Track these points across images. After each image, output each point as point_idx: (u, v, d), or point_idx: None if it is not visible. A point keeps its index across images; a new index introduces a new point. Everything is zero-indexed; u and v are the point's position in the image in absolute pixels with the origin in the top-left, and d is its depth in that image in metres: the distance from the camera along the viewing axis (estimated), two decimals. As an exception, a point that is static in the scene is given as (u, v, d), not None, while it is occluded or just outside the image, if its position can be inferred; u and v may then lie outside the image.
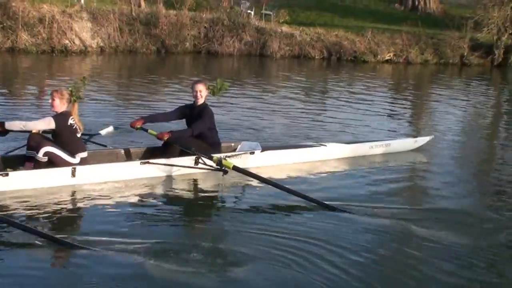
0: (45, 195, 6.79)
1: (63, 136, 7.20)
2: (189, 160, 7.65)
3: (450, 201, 7.50)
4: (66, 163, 7.17)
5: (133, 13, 25.02)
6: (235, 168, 7.26)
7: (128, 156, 7.92)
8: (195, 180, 7.77)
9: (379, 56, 27.23)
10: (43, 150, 7.07)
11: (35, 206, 6.49)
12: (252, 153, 8.15)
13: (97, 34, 24.04)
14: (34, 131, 7.27)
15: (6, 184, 6.68)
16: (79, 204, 6.85)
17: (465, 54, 28.67)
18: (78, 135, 7.37)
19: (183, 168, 7.66)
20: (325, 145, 8.95)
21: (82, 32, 23.60)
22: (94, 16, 24.10)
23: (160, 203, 7.08)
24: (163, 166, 7.61)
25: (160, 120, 8.48)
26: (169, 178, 7.65)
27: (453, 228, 6.38)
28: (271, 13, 28.11)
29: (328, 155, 8.88)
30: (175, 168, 7.66)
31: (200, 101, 7.98)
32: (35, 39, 22.16)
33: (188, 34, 25.48)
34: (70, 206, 6.76)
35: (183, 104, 8.66)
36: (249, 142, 8.72)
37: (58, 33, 22.62)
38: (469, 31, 28.79)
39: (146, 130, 7.97)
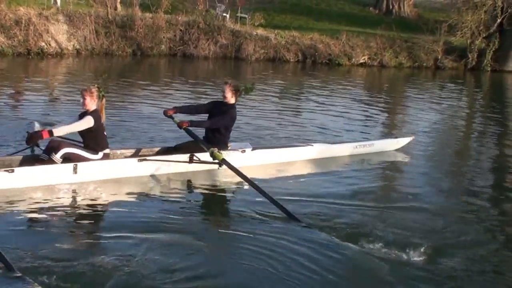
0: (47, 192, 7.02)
1: (98, 133, 7.48)
2: (185, 157, 7.94)
3: (424, 199, 7.76)
4: (87, 161, 7.45)
5: (109, 16, 24.90)
6: (224, 161, 7.55)
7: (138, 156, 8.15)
8: (189, 177, 8.01)
9: (353, 59, 27.49)
10: (62, 151, 7.26)
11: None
12: (244, 151, 8.47)
13: (73, 36, 23.94)
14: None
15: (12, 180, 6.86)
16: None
17: (439, 57, 29.11)
18: (105, 132, 7.65)
19: (180, 164, 7.93)
20: (312, 145, 9.33)
21: (58, 35, 23.48)
22: (70, 18, 23.99)
23: (153, 200, 7.29)
24: (160, 162, 7.85)
25: (191, 111, 8.89)
26: (166, 174, 7.92)
27: (424, 226, 6.62)
28: (246, 16, 28.21)
29: (315, 155, 9.23)
30: (172, 164, 7.90)
31: (231, 100, 8.36)
32: (11, 41, 22.00)
33: (163, 37, 25.47)
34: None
35: (216, 100, 9.00)
36: (239, 142, 9.00)
37: (35, 35, 22.48)
38: (443, 34, 29.23)
39: (173, 118, 8.29)
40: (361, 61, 27.78)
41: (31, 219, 6.33)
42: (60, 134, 7.30)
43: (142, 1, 26.76)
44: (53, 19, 23.53)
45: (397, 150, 10.15)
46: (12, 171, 6.85)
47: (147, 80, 18.73)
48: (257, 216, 6.68)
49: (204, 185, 7.94)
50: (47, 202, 6.75)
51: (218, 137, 8.23)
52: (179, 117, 8.49)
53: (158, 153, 8.27)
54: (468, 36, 28.95)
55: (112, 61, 23.73)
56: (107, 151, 7.63)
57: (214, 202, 7.57)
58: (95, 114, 7.41)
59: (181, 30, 25.89)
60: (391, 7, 36.11)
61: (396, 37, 29.01)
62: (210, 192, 7.78)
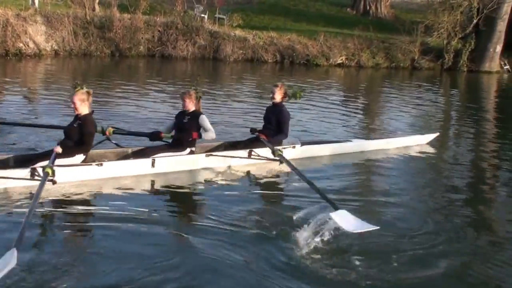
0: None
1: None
2: (245, 152, 8.69)
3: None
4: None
5: (88, 17, 24.90)
6: (280, 157, 8.22)
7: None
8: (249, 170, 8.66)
9: (331, 60, 27.73)
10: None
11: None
12: (294, 147, 9.23)
13: (52, 37, 23.90)
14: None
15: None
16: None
17: (416, 58, 29.47)
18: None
19: (241, 159, 8.64)
20: (351, 141, 10.48)
21: (36, 36, 23.43)
22: (48, 19, 23.95)
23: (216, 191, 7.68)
24: (229, 158, 8.60)
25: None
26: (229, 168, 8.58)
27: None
28: (224, 17, 28.33)
29: (354, 149, 10.14)
30: (234, 159, 8.62)
31: (278, 100, 9.20)
32: (-11, 42, 21.97)
33: (142, 38, 25.51)
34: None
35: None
36: (289, 138, 9.68)
37: (12, 36, 22.41)
38: (420, 35, 29.58)
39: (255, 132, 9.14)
40: (339, 61, 28.02)
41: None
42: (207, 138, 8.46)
43: (120, 2, 26.77)
44: (31, 20, 23.47)
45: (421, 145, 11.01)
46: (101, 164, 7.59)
47: (126, 81, 18.69)
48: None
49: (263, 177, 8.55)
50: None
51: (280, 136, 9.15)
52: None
53: (219, 148, 9.03)
54: (445, 36, 29.33)
55: (91, 62, 23.69)
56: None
57: (271, 196, 7.90)
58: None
59: (159, 31, 25.94)
60: (368, 8, 36.44)
61: (373, 37, 29.29)
62: (268, 186, 8.28)
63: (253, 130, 9.16)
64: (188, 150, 8.31)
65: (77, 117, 7.59)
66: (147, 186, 7.64)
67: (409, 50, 29.34)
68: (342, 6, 37.50)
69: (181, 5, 27.82)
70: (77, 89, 7.61)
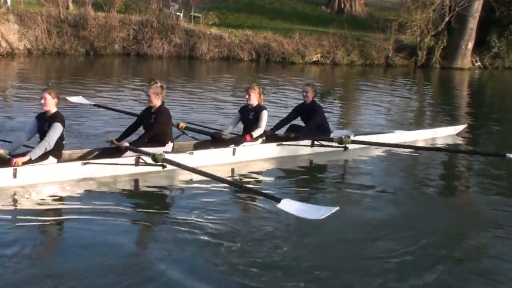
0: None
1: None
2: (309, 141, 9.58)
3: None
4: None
5: (61, 15, 24.67)
6: (354, 141, 9.51)
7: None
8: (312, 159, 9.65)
9: (306, 58, 27.86)
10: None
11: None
12: (348, 137, 9.73)
13: (25, 36, 23.67)
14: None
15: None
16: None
17: (390, 55, 29.75)
18: None
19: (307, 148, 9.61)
20: (394, 132, 11.26)
21: (9, 35, 23.18)
22: (21, 18, 23.73)
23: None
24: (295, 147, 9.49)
25: (282, 125, 10.00)
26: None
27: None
28: (200, 15, 28.28)
29: (399, 140, 10.84)
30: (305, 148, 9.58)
31: (311, 99, 9.83)
32: (-40, 42, 21.71)
33: (117, 36, 25.36)
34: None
35: (297, 104, 10.30)
36: (341, 130, 10.95)
37: (-16, 35, 22.22)
38: (393, 33, 29.86)
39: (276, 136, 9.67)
40: (314, 59, 28.17)
41: None
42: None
43: (95, 0, 26.55)
44: (4, 19, 23.24)
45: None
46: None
47: (101, 80, 18.62)
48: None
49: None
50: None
51: (324, 130, 9.90)
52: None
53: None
54: (418, 34, 29.65)
55: (65, 61, 23.52)
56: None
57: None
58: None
59: (134, 29, 25.82)
60: (342, 6, 36.66)
61: (348, 35, 29.50)
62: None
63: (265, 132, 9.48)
64: (260, 140, 9.15)
65: (150, 110, 8.28)
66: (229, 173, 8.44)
67: (383, 47, 29.61)
68: (317, 4, 37.66)
69: (156, 3, 27.77)
70: (152, 83, 8.24)
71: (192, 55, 26.15)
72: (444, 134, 11.98)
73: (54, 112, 7.43)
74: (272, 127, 9.82)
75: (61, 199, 6.99)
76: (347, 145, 9.40)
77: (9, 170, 6.95)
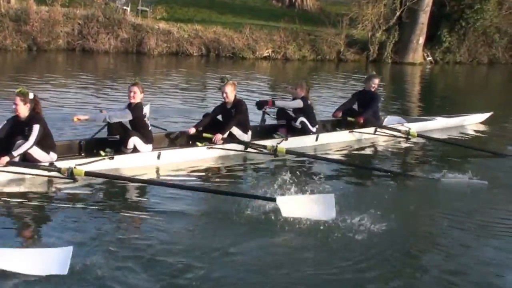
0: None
1: None
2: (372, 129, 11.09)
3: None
4: None
5: (2, 9, 23.93)
6: (420, 135, 11.00)
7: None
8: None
9: (257, 53, 27.42)
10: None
11: None
12: (403, 124, 11.37)
13: (-38, 31, 22.71)
14: None
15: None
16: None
17: (342, 50, 29.56)
18: None
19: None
20: (436, 119, 12.59)
21: None
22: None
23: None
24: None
25: (344, 109, 11.46)
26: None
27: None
28: (147, 9, 27.60)
29: (441, 125, 12.51)
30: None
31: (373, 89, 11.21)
32: None
33: (61, 31, 24.51)
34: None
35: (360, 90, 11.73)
36: (392, 116, 12.42)
37: None
38: (345, 28, 29.72)
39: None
40: (265, 54, 27.77)
41: None
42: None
43: (37, -7, 25.61)
44: None
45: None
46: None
47: (44, 77, 17.84)
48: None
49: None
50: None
51: (372, 120, 11.22)
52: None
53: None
54: (369, 29, 29.56)
55: (6, 56, 22.72)
56: None
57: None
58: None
59: (79, 24, 25.04)
60: (293, 0, 36.43)
61: (299, 30, 29.18)
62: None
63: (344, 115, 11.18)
64: (314, 129, 10.40)
65: (226, 106, 9.46)
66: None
67: (335, 42, 29.40)
68: (267, -1, 37.34)
69: (102, -3, 26.93)
70: (225, 81, 9.31)
71: (140, 50, 25.43)
72: (471, 122, 13.29)
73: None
74: (336, 108, 11.40)
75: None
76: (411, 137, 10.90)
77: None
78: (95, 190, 7.34)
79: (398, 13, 29.83)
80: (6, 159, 7.10)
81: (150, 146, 8.56)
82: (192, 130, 9.12)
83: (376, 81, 11.44)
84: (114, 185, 7.49)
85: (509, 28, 33.36)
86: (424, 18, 30.12)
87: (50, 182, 7.43)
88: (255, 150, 9.10)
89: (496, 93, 23.63)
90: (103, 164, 7.82)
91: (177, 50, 26.18)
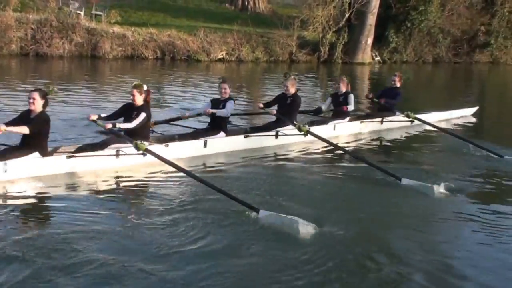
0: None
1: None
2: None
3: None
4: None
5: (-48, 14, 23.58)
6: (418, 119, 12.53)
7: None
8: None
9: (212, 55, 27.88)
10: None
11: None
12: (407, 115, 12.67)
13: None
14: None
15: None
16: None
17: (294, 51, 30.30)
18: None
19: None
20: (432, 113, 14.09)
21: None
22: None
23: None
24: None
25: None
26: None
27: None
28: (101, 13, 27.69)
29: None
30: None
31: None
32: None
33: (14, 36, 24.37)
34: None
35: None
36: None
37: None
38: (296, 29, 30.43)
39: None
40: (219, 56, 28.26)
41: None
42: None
43: (-12, -2, 25.44)
44: None
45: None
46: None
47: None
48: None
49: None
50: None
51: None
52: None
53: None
54: (320, 30, 30.40)
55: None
56: None
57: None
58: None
59: (32, 28, 24.89)
60: (246, 3, 36.99)
61: (252, 32, 29.78)
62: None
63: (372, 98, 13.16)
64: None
65: (286, 95, 10.95)
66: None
67: (287, 44, 30.13)
68: (221, 2, 37.78)
69: (55, 1, 26.91)
70: (287, 77, 11.04)
71: (94, 54, 25.53)
72: (461, 115, 15.01)
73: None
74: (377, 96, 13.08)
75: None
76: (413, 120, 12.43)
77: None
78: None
79: (347, 15, 30.79)
80: (109, 125, 8.39)
81: None
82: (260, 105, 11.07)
83: (396, 78, 12.94)
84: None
85: (451, 29, 34.81)
86: (371, 20, 31.14)
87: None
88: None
89: (441, 89, 24.75)
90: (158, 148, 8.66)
91: (132, 53, 26.39)
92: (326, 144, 10.19)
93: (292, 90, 10.91)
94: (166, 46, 27.10)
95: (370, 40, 31.71)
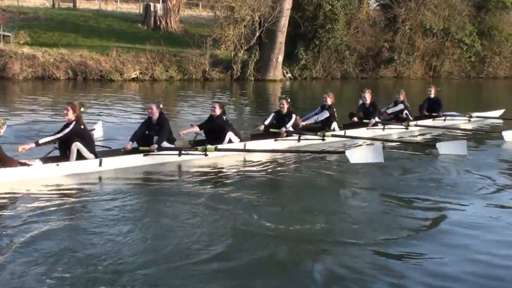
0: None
1: None
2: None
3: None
4: None
5: None
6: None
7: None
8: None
9: (125, 75, 27.96)
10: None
11: None
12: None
13: None
14: None
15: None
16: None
17: (207, 69, 30.78)
18: None
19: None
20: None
21: None
22: None
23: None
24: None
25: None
26: None
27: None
28: (10, 34, 27.26)
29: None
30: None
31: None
32: None
33: None
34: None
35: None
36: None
37: None
38: (209, 48, 30.97)
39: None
40: (133, 76, 28.38)
41: None
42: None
43: None
44: None
45: None
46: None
47: None
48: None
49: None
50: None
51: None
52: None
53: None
54: (232, 49, 31.05)
55: None
56: None
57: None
58: None
59: None
60: (158, 23, 37.25)
61: (165, 51, 30.11)
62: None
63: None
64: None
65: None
66: None
67: (200, 62, 30.60)
68: (133, 22, 37.86)
69: (-41, 22, 26.28)
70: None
71: (3, 75, 25.12)
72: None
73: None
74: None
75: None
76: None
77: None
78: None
79: (258, 34, 31.58)
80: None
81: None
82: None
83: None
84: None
85: (357, 46, 36.34)
86: (281, 38, 32.09)
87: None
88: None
89: (350, 104, 25.74)
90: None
91: (43, 74, 26.15)
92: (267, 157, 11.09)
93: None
94: (78, 66, 26.98)
95: (281, 58, 32.62)
